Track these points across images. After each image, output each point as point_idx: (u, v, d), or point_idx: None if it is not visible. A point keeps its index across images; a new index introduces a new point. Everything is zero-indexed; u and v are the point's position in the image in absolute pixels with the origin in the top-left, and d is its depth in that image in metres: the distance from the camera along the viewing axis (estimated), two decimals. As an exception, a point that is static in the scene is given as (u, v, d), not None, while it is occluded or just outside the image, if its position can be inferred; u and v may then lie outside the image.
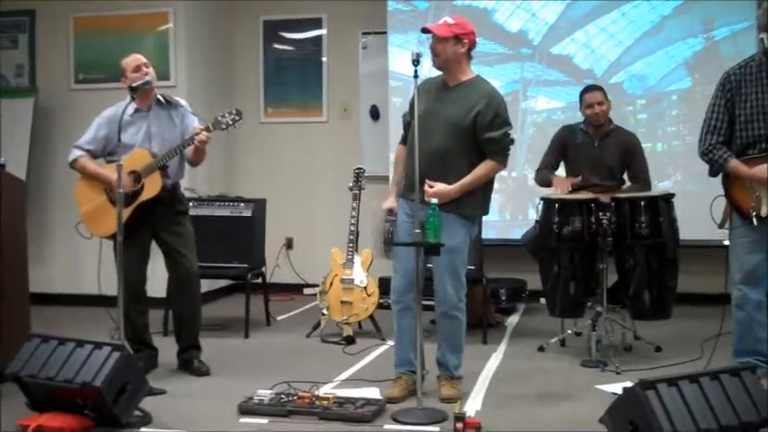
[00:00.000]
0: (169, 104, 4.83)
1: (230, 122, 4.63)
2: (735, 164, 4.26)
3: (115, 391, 3.62)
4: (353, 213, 5.78)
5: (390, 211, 4.38)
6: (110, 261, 4.51)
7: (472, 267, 5.17)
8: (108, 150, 4.75)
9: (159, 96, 4.82)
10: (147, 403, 3.90)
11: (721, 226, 4.49)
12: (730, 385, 3.18)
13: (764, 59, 4.22)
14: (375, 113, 7.70)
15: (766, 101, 4.20)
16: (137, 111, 4.74)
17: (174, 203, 4.82)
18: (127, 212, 4.48)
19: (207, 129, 4.59)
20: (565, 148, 5.59)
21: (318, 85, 7.95)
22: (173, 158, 4.65)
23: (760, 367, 4.27)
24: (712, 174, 4.43)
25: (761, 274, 4.25)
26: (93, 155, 4.78)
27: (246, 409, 3.99)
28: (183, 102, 4.92)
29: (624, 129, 5.66)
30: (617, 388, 4.02)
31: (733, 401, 3.14)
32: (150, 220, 4.73)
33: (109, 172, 4.60)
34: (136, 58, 4.75)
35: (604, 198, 5.10)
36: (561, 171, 5.67)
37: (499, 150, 4.19)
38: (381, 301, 5.62)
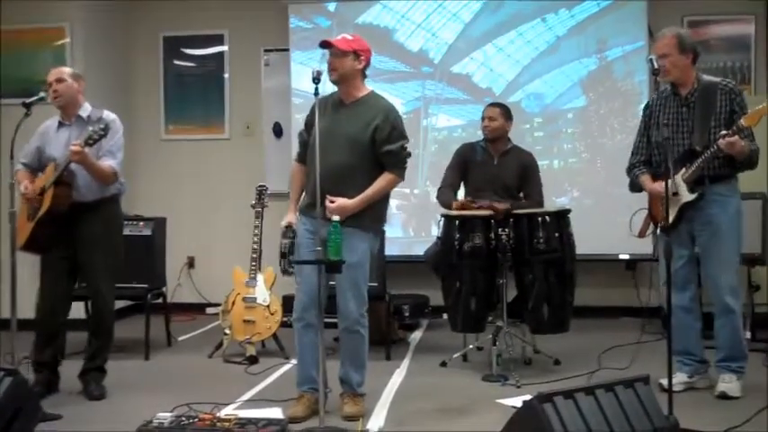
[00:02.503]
0: (91, 119, 4.68)
1: (96, 137, 4.42)
2: (643, 179, 4.64)
3: (7, 419, 3.49)
4: (256, 231, 5.73)
5: (289, 227, 4.36)
6: (24, 282, 4.35)
7: (375, 284, 5.20)
8: (43, 163, 4.68)
9: (82, 112, 4.69)
10: (43, 429, 3.79)
11: (640, 236, 4.76)
12: (624, 396, 3.25)
13: (673, 90, 4.49)
14: (278, 131, 7.67)
15: (671, 124, 4.45)
16: (61, 124, 4.71)
17: (93, 223, 4.65)
18: (30, 227, 4.55)
19: (81, 144, 4.44)
20: (466, 164, 5.67)
21: (221, 102, 7.87)
22: (61, 172, 4.47)
23: (688, 365, 4.59)
24: (632, 188, 4.78)
25: (680, 280, 4.46)
26: (31, 168, 4.70)
27: (146, 433, 3.91)
28: (111, 117, 4.70)
29: (522, 148, 5.77)
30: (517, 401, 4.09)
31: (627, 412, 3.21)
32: (71, 239, 4.63)
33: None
34: (53, 73, 4.69)
35: (500, 206, 5.17)
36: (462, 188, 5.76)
37: (397, 163, 4.26)
38: (285, 319, 5.57)
